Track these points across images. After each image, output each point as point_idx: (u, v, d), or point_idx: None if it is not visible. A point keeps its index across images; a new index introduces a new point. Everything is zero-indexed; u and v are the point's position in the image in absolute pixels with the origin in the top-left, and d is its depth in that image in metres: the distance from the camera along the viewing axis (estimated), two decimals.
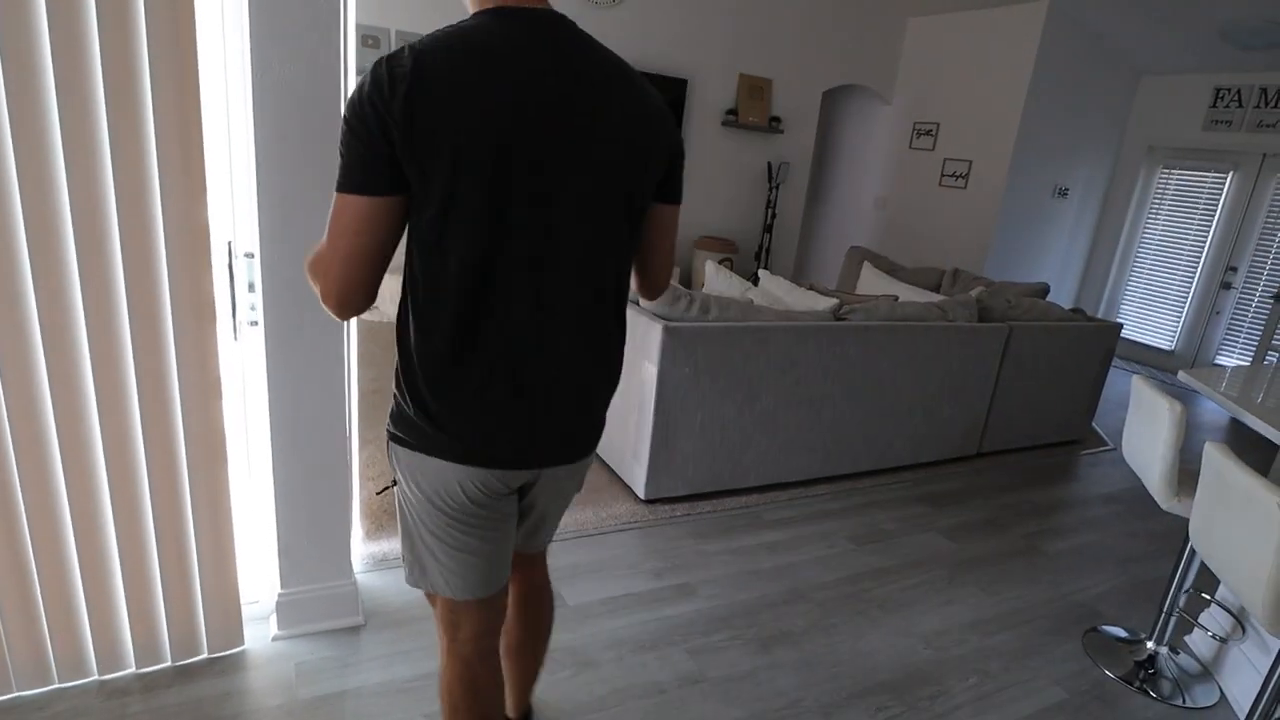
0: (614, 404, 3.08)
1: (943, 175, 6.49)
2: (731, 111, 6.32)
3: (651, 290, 1.34)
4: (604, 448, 3.22)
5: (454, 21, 1.07)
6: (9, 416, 1.60)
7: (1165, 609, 2.28)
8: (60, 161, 1.52)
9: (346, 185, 1.03)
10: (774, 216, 6.59)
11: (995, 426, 3.83)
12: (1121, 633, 2.41)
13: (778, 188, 6.55)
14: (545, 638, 1.55)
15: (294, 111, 1.74)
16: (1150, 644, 2.31)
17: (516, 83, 1.03)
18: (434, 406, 1.15)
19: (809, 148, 6.91)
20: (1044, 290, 4.35)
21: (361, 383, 3.94)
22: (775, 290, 3.62)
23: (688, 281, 6.52)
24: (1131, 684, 2.18)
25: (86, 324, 1.61)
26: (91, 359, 1.63)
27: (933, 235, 6.61)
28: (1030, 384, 3.86)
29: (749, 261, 6.85)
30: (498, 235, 1.06)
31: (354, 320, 2.33)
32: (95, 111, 1.52)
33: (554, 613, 1.56)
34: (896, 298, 3.74)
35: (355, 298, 1.07)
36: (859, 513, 3.13)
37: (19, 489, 1.64)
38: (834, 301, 3.33)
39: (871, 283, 4.85)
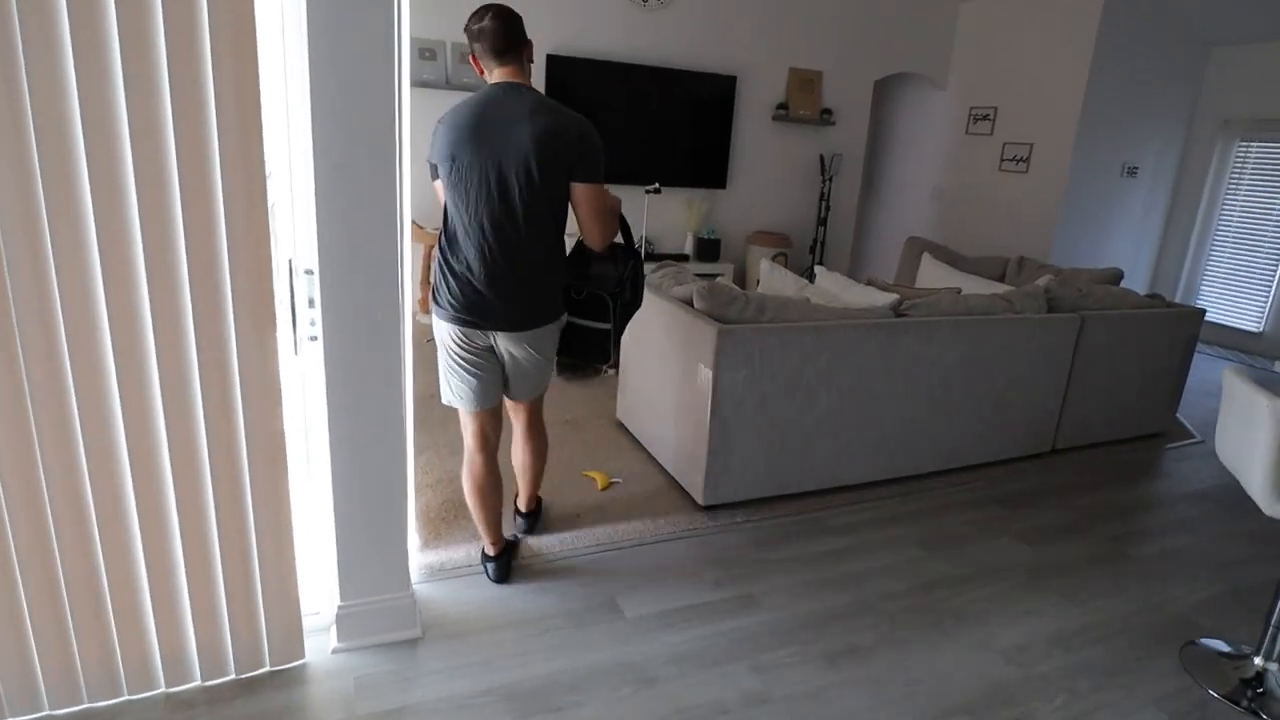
0: (668, 408, 3.01)
1: (1002, 160, 6.22)
2: (782, 106, 6.17)
3: (590, 243, 2.19)
4: (660, 452, 3.15)
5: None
6: (82, 426, 1.61)
7: (1274, 621, 2.09)
8: (130, 176, 1.52)
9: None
10: (828, 210, 6.41)
11: (1070, 422, 3.62)
12: (1224, 646, 2.23)
13: (831, 180, 6.37)
14: (540, 457, 2.53)
15: (351, 137, 1.72)
16: (1258, 659, 2.12)
17: (468, 120, 2.10)
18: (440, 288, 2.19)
19: (862, 138, 6.70)
20: (1117, 276, 4.10)
21: (416, 388, 3.95)
22: (832, 287, 3.49)
23: (742, 280, 6.40)
24: (1238, 704, 2.00)
25: (154, 331, 1.61)
26: (158, 366, 1.63)
27: (994, 223, 6.34)
28: (1106, 376, 3.64)
29: (804, 256, 6.69)
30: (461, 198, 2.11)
31: (409, 329, 2.31)
32: (163, 130, 1.52)
33: (546, 444, 2.53)
34: (959, 290, 3.57)
35: None
36: (928, 516, 2.99)
37: (90, 499, 1.66)
38: (894, 297, 3.19)
39: (932, 275, 4.65)
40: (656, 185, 5.08)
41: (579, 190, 2.08)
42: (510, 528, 2.66)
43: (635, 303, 2.38)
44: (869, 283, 3.66)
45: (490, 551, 2.42)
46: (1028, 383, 3.40)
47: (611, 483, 3.05)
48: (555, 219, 2.12)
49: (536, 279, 2.12)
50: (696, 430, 2.80)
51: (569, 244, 2.24)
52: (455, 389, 2.27)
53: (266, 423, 1.74)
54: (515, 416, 2.45)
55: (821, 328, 2.81)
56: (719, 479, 2.81)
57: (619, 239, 2.32)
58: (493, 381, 2.25)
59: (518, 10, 2.13)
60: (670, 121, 5.84)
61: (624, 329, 2.40)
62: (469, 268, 2.11)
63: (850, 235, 6.98)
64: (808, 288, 3.41)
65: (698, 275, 6.19)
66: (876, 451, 3.12)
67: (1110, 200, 6.08)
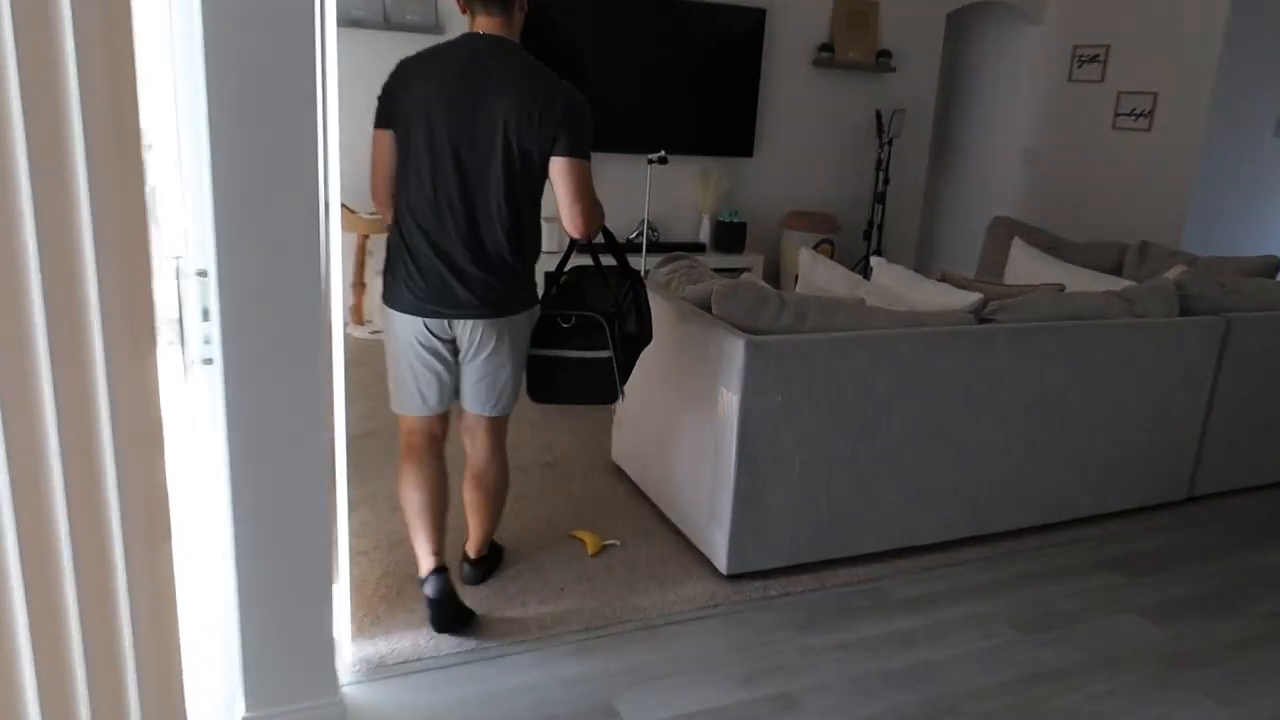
0: (679, 447, 3.01)
1: (1117, 114, 6.24)
2: (826, 47, 6.21)
3: (569, 228, 2.35)
4: (669, 505, 3.14)
5: None
6: None
7: None
8: None
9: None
10: (886, 182, 6.44)
11: (1211, 460, 3.60)
12: None
13: (890, 143, 6.40)
14: (499, 493, 2.71)
15: (257, 93, 1.72)
16: None
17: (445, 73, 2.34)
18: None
19: (930, 89, 6.74)
20: (1272, 266, 4.10)
21: (351, 423, 3.95)
22: (894, 284, 3.49)
23: (775, 275, 6.41)
24: None
25: None
26: None
27: (1105, 196, 6.35)
28: (1261, 398, 3.62)
29: (856, 243, 6.70)
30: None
31: (340, 346, 2.32)
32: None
33: (506, 478, 2.71)
34: (1063, 287, 3.57)
35: None
36: (1023, 587, 2.96)
37: None
38: (976, 296, 3.19)
39: (1025, 266, 4.66)
40: (662, 153, 5.10)
41: (559, 165, 2.29)
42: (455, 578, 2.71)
43: (643, 337, 2.64)
44: (942, 278, 3.66)
45: (429, 566, 2.58)
46: (1155, 409, 3.38)
47: (606, 545, 3.03)
48: (533, 199, 2.39)
49: (510, 262, 2.36)
50: (717, 476, 2.79)
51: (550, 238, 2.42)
52: (409, 392, 2.51)
53: (144, 473, 1.73)
54: (471, 438, 2.63)
55: (881, 338, 2.81)
56: (747, 540, 2.80)
57: (612, 260, 2.64)
58: (453, 382, 2.51)
59: None
60: (680, 69, 5.88)
61: (631, 366, 2.63)
62: (434, 248, 2.32)
63: (916, 216, 7.01)
64: (862, 285, 3.41)
65: (716, 271, 6.21)
66: (954, 501, 3.10)
67: (1261, 167, 6.09)
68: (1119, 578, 3.07)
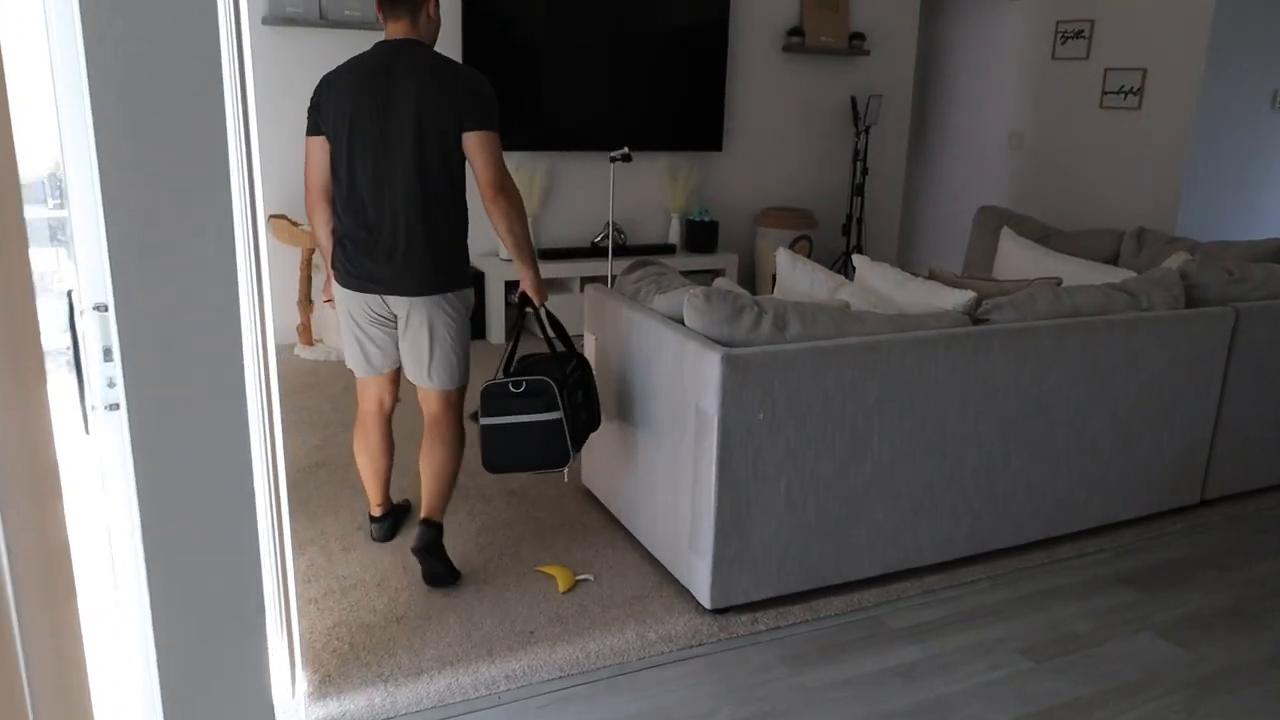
0: (654, 470, 2.89)
1: (1104, 93, 6.21)
2: (795, 31, 6.13)
3: (490, 203, 2.68)
4: (646, 533, 3.02)
5: None
6: None
7: None
8: None
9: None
10: (865, 173, 6.36)
11: (1224, 460, 3.53)
12: None
13: (867, 131, 6.33)
14: (447, 465, 2.94)
15: (152, 93, 1.58)
16: None
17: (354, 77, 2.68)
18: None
19: (908, 72, 6.68)
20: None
21: (299, 456, 3.79)
22: (880, 284, 3.39)
23: (751, 276, 6.32)
24: None
25: None
26: None
27: (1094, 180, 6.31)
28: (1275, 392, 3.56)
29: (834, 239, 6.62)
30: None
31: (273, 377, 2.19)
32: None
33: (457, 451, 2.96)
34: (1059, 280, 3.49)
35: None
36: (1032, 608, 2.87)
37: None
38: (968, 295, 3.10)
39: (1016, 258, 4.58)
40: (625, 150, 4.99)
41: (472, 139, 2.65)
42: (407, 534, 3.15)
43: (592, 420, 3.00)
44: (931, 275, 3.57)
45: (374, 513, 3.18)
46: (1163, 408, 3.31)
47: (578, 581, 2.90)
48: (451, 179, 2.72)
49: (434, 241, 2.70)
50: (697, 502, 2.67)
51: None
52: (354, 353, 2.95)
53: (39, 525, 1.59)
54: (424, 407, 2.98)
55: (870, 346, 2.70)
56: (732, 571, 2.68)
57: (557, 342, 2.97)
58: (394, 349, 2.91)
59: None
60: (641, 60, 5.77)
61: (581, 441, 2.91)
62: (363, 229, 2.70)
63: (897, 208, 6.95)
64: (845, 286, 3.31)
65: (688, 274, 6.10)
66: (952, 517, 3.01)
67: (1258, 143, 6.07)
68: (1134, 593, 2.98)
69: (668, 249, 5.91)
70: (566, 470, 2.97)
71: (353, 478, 3.60)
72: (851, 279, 3.48)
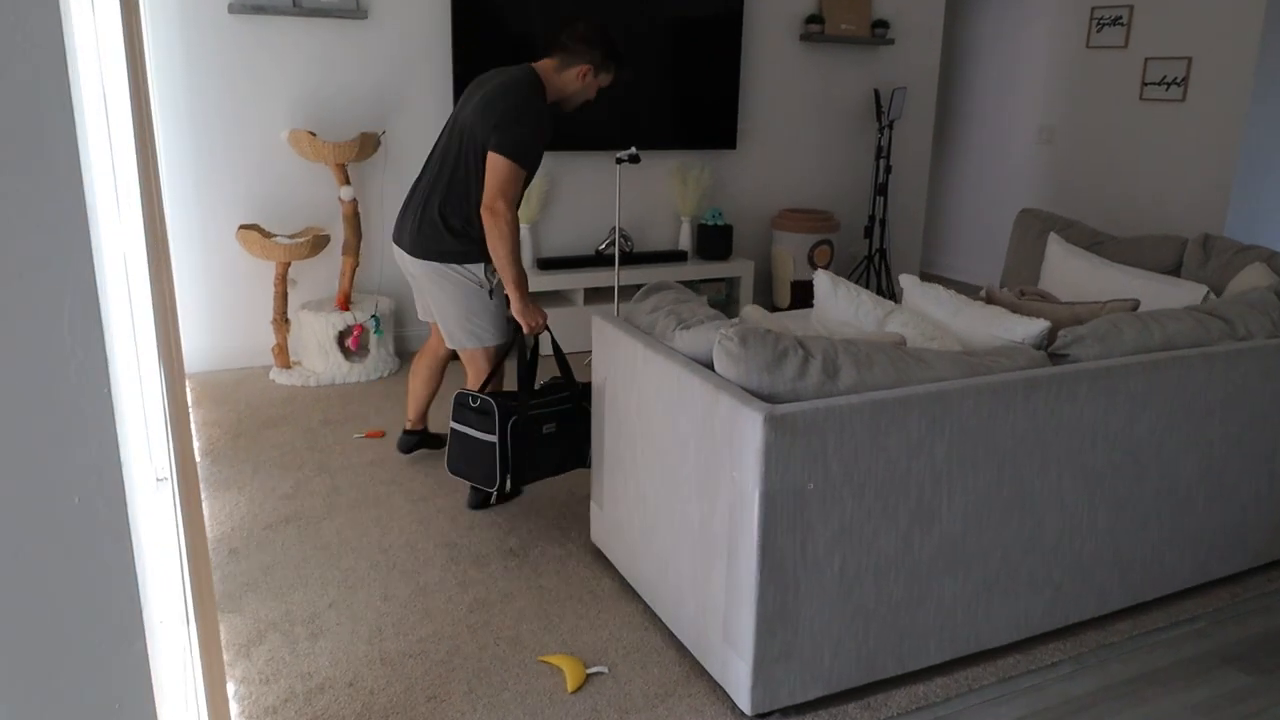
0: (678, 538, 2.43)
1: (1144, 84, 5.74)
2: (814, 18, 5.64)
3: (484, 213, 2.97)
4: (671, 614, 2.56)
5: None
6: None
7: None
8: None
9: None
10: (888, 171, 5.89)
11: None
12: None
13: (890, 126, 5.85)
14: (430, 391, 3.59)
15: None
16: None
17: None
18: None
19: (933, 63, 6.20)
20: None
21: (264, 508, 3.32)
22: (933, 310, 2.93)
23: (767, 286, 5.82)
24: None
25: None
26: None
27: (1133, 178, 5.84)
28: None
29: (855, 242, 6.16)
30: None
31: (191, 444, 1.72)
32: None
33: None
34: (1136, 303, 3.03)
35: None
36: (1127, 699, 2.41)
37: None
38: (1040, 324, 2.64)
39: (1067, 270, 4.11)
40: (633, 150, 4.52)
41: (487, 157, 2.93)
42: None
43: (564, 460, 3.20)
44: (988, 298, 3.10)
45: (405, 426, 3.69)
46: (1262, 450, 2.85)
47: (590, 675, 2.44)
48: (468, 182, 3.03)
49: (444, 222, 3.07)
50: (733, 586, 2.21)
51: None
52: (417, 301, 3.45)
53: None
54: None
55: (938, 396, 2.24)
56: (776, 668, 2.22)
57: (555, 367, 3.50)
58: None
59: None
60: (649, 52, 5.28)
61: (540, 471, 3.17)
62: (409, 194, 3.22)
63: (922, 208, 6.48)
64: (894, 314, 2.85)
65: (704, 283, 5.63)
66: (1030, 589, 2.55)
67: None
68: (1242, 676, 2.52)
69: (678, 256, 5.43)
70: (494, 493, 3.27)
71: (327, 535, 3.14)
72: (899, 303, 3.02)
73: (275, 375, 4.65)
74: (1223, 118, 5.35)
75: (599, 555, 3.03)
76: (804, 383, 2.20)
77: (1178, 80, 5.54)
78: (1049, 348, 2.63)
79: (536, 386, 3.18)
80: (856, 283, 6.22)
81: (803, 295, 5.67)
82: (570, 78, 3.00)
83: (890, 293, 6.11)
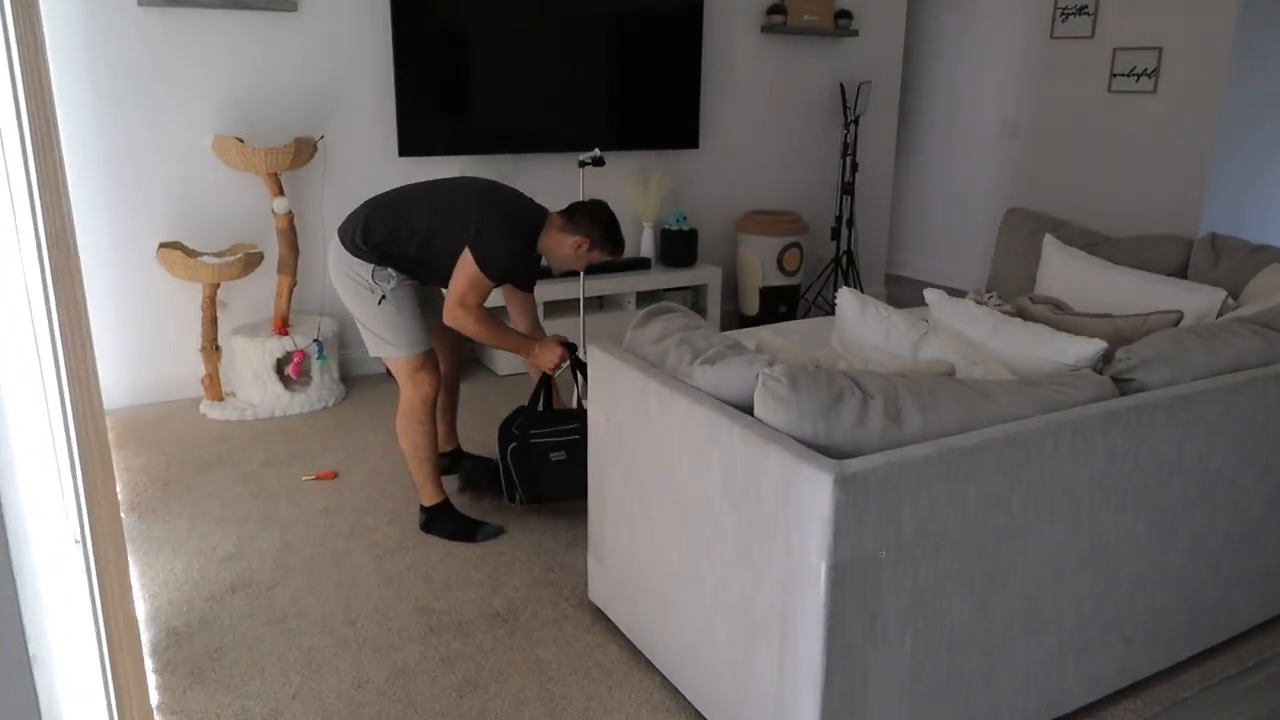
0: (710, 615, 2.07)
1: (1113, 75, 5.56)
2: (776, 9, 5.33)
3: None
4: (701, 697, 2.20)
5: None
6: None
7: None
8: None
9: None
10: (855, 169, 5.61)
11: None
12: None
13: (856, 122, 5.57)
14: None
15: None
16: None
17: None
18: None
19: (896, 54, 5.95)
20: None
21: (204, 576, 2.87)
22: (966, 328, 2.63)
23: (733, 293, 5.47)
24: None
25: None
26: None
27: (1103, 173, 5.66)
28: None
29: (822, 244, 5.87)
30: None
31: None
32: None
33: (402, 430, 3.11)
34: (1180, 315, 2.77)
35: None
36: None
37: None
38: (1096, 345, 2.35)
39: (1069, 274, 3.86)
40: (597, 152, 4.15)
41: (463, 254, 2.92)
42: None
43: (554, 490, 3.19)
44: (1021, 313, 2.82)
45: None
46: None
47: None
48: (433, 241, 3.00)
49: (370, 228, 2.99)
50: (789, 672, 1.86)
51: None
52: None
53: None
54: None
55: (1017, 439, 1.92)
56: None
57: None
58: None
59: None
60: (606, 49, 4.91)
61: (539, 495, 3.20)
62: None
63: (887, 207, 6.23)
64: (928, 337, 2.53)
65: (669, 291, 5.28)
66: (1103, 646, 2.26)
67: None
68: None
69: (641, 264, 5.07)
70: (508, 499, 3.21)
71: (282, 604, 2.71)
72: (928, 325, 2.70)
73: (206, 409, 4.16)
74: (1197, 108, 5.19)
75: (599, 615, 2.67)
76: (864, 430, 1.86)
77: (1148, 71, 5.37)
78: (1105, 370, 2.34)
79: (564, 410, 3.25)
80: (821, 290, 5.95)
81: (771, 302, 5.36)
82: (567, 242, 2.98)
83: None
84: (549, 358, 3.04)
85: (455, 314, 2.91)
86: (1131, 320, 2.72)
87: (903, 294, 6.60)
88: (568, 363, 3.08)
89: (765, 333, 2.63)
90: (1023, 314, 2.83)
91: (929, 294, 2.78)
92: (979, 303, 2.75)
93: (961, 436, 1.89)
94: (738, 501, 1.95)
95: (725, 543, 2.01)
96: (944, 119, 6.66)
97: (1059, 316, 2.76)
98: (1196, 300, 3.33)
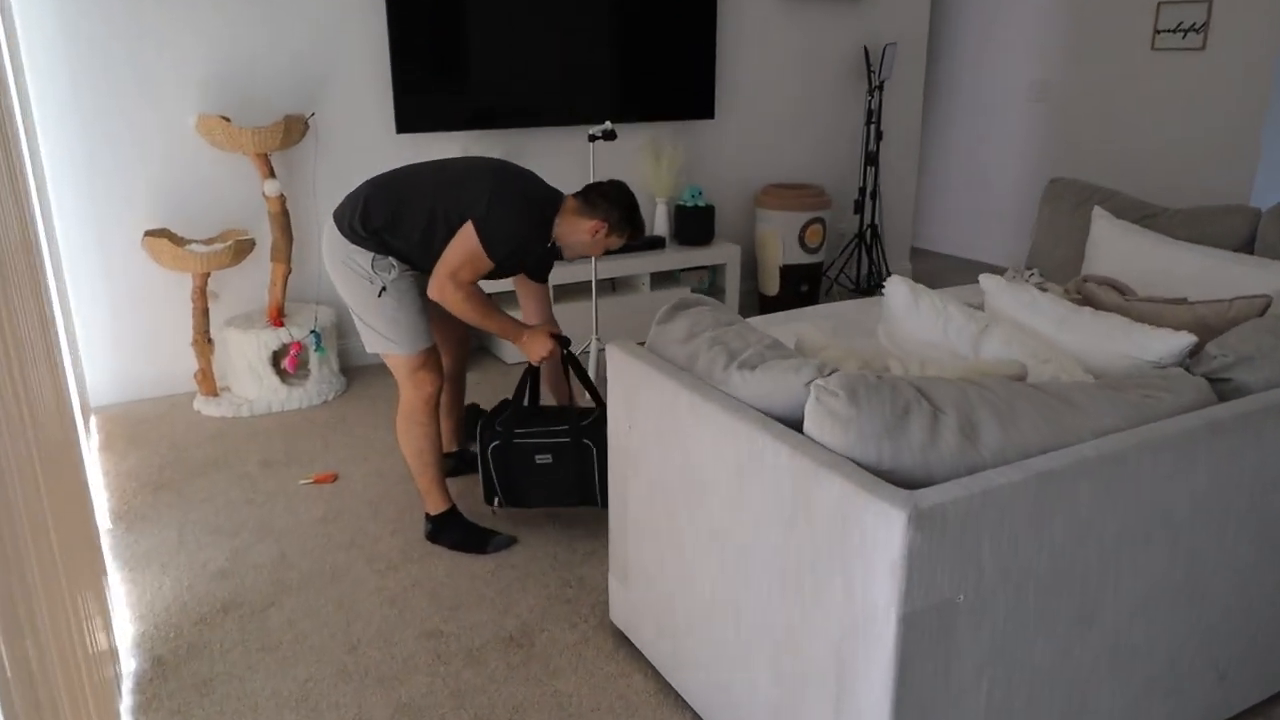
0: (753, 653, 1.82)
1: (1157, 32, 5.21)
2: None
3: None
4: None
5: None
6: None
7: None
8: None
9: None
10: (879, 137, 5.29)
11: None
12: None
13: (881, 88, 5.25)
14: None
15: None
16: None
17: None
18: None
19: (923, 15, 5.61)
20: None
21: (194, 593, 2.63)
22: (1025, 316, 2.35)
23: (752, 274, 5.18)
24: None
25: None
26: None
27: (1142, 138, 5.33)
28: None
29: (844, 218, 5.58)
30: None
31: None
32: None
33: (402, 430, 2.88)
34: (1268, 300, 2.48)
35: None
36: None
37: None
38: (1185, 339, 2.08)
39: (1120, 248, 3.57)
40: (608, 125, 3.86)
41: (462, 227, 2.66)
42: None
43: (542, 495, 2.87)
44: (1085, 298, 2.54)
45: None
46: None
47: None
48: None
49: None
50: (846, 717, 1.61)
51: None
52: None
53: None
54: None
55: (1114, 459, 1.65)
56: None
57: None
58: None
59: None
60: (616, 15, 4.60)
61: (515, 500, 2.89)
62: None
63: (914, 178, 5.92)
64: (991, 329, 2.25)
65: (685, 272, 5.00)
66: (1193, 682, 2.00)
67: None
68: None
69: (655, 243, 4.79)
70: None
71: (277, 628, 2.47)
72: (879, 276, 2.42)
73: (200, 405, 3.92)
74: (1249, 67, 4.85)
75: (621, 640, 2.42)
76: (936, 451, 1.60)
77: (1196, 26, 5.02)
78: (1195, 368, 2.07)
79: (557, 408, 2.92)
80: (844, 267, 5.66)
81: (793, 281, 5.07)
82: (584, 227, 2.69)
83: (880, 279, 5.55)
84: (536, 349, 2.75)
85: (444, 288, 2.62)
86: (1214, 307, 2.43)
87: (928, 269, 6.30)
88: (559, 355, 2.85)
89: (808, 329, 2.34)
90: (1088, 300, 2.55)
91: (985, 279, 2.49)
92: (1043, 289, 2.46)
93: (1048, 457, 1.62)
94: (785, 530, 1.69)
95: (768, 574, 1.76)
96: (969, 83, 6.33)
97: (1131, 303, 2.48)
98: (1270, 278, 3.04)
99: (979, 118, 6.31)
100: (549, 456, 2.77)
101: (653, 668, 2.31)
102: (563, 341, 2.83)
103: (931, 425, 1.61)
